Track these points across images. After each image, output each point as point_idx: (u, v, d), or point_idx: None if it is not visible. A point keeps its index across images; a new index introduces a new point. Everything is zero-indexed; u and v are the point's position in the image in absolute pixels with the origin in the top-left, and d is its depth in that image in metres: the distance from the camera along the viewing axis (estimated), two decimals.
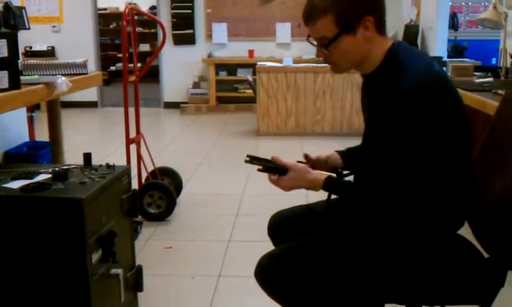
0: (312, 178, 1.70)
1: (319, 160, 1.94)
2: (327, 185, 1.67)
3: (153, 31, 11.93)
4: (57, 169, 2.27)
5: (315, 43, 1.62)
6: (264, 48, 8.88)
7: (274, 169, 1.74)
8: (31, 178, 2.16)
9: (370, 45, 1.58)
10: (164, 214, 3.85)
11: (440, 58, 5.11)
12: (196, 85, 9.05)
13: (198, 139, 7.08)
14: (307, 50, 8.81)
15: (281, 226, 1.95)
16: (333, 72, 1.70)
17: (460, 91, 3.59)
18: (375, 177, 1.61)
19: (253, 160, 1.74)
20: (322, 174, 1.71)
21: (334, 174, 1.74)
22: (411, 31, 6.83)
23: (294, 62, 7.27)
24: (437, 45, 6.35)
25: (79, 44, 8.93)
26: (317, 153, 1.97)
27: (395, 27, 8.18)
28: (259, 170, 1.75)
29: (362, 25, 1.55)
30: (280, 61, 7.42)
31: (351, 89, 6.94)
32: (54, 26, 9.05)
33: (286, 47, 8.97)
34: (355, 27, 1.55)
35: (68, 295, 2.03)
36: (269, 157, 1.76)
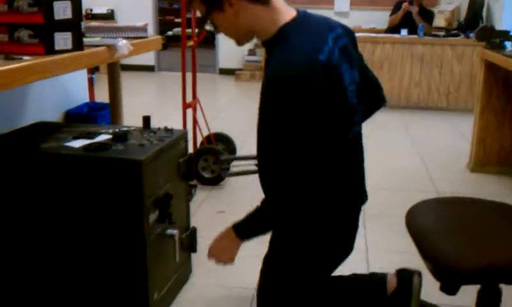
0: (224, 237, 1.75)
1: None
2: (238, 232, 1.69)
3: None
4: (117, 130, 2.32)
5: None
6: None
7: None
8: (92, 138, 2.22)
9: (246, 16, 1.56)
10: (218, 179, 3.90)
11: (506, 32, 4.88)
12: (251, 52, 9.01)
13: (251, 105, 7.07)
14: (366, 19, 8.61)
15: None
16: (237, 45, 1.71)
17: None
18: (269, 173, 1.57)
19: None
20: (227, 229, 1.73)
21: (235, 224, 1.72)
22: (476, 3, 6.55)
23: None
24: (504, 18, 6.08)
25: (137, 7, 9.02)
26: None
27: None
28: None
29: (226, 1, 1.54)
30: None
31: (411, 60, 6.76)
32: None
33: (345, 16, 8.78)
34: (220, 3, 1.55)
35: (125, 253, 2.09)
36: None
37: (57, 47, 2.19)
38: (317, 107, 1.47)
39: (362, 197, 1.78)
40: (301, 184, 1.53)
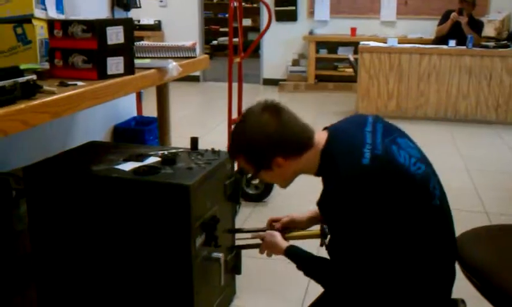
0: (278, 246, 1.82)
1: (293, 221, 2.01)
2: (287, 254, 1.77)
3: (255, 5, 11.96)
4: (166, 152, 2.36)
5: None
6: (367, 26, 8.66)
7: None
8: (142, 161, 2.27)
9: (293, 167, 1.64)
10: (261, 195, 3.91)
11: None
12: (295, 62, 9.02)
13: None
14: (413, 29, 8.48)
15: None
16: (281, 188, 1.77)
17: None
18: (344, 260, 1.59)
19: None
20: (284, 243, 1.81)
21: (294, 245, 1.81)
22: None
23: (398, 42, 7.03)
24: None
25: (183, 18, 9.17)
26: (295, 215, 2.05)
27: (509, 8, 7.68)
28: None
29: (274, 164, 1.61)
30: (383, 41, 7.20)
31: (458, 72, 6.63)
32: (161, 0, 9.34)
33: (391, 25, 8.70)
34: (268, 165, 1.63)
35: (172, 275, 2.12)
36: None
37: (109, 72, 2.25)
38: (385, 200, 1.49)
39: (452, 276, 1.67)
40: (379, 270, 1.54)
